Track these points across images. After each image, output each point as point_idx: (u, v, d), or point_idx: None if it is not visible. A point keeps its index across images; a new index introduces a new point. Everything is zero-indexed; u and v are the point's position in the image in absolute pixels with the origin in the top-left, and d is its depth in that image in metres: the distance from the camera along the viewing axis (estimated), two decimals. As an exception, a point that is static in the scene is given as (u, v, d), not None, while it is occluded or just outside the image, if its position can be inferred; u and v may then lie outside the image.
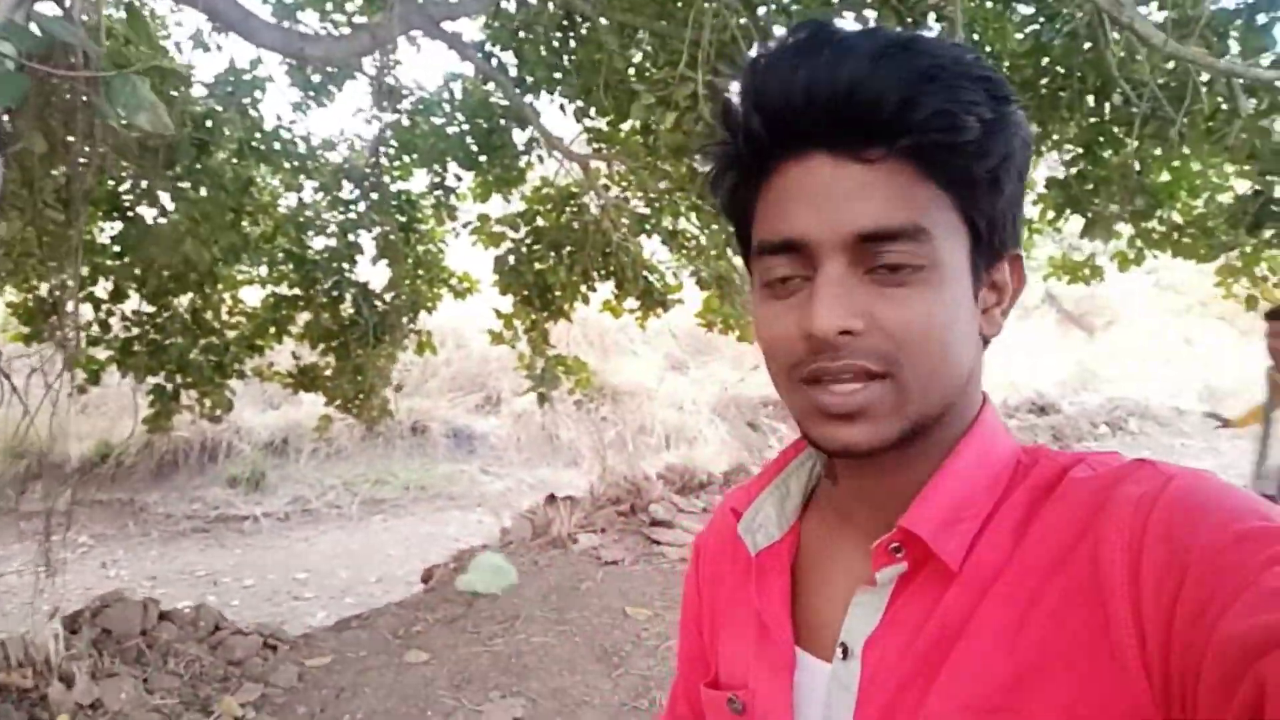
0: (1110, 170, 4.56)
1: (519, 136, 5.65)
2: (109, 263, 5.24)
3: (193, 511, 9.37)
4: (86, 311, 5.36)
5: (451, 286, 6.54)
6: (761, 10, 4.22)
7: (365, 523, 9.44)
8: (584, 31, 4.66)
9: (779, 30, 4.40)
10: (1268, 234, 4.36)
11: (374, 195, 5.90)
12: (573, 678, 4.04)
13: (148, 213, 5.11)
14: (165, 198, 5.07)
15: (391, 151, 5.92)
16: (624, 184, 5.89)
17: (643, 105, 3.78)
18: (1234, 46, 3.92)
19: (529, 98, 5.15)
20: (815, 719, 0.64)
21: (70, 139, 4.05)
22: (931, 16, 3.76)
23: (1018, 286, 0.64)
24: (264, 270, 6.05)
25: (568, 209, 6.01)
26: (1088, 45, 4.17)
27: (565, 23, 4.79)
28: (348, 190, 5.93)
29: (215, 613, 4.56)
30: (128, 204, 4.97)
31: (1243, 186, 4.69)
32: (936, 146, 0.55)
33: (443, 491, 10.21)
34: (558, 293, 6.04)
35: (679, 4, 4.28)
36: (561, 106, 5.20)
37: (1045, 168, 5.67)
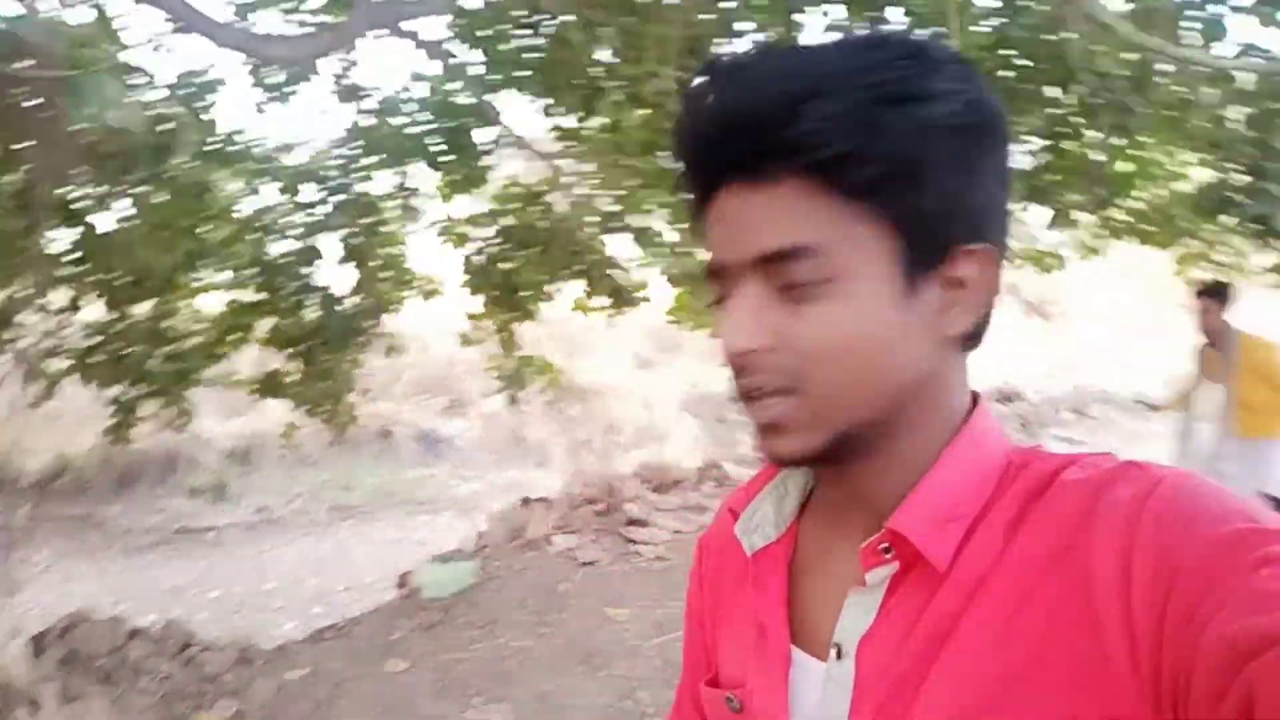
0: (1073, 161, 4.62)
1: (484, 135, 5.59)
2: (65, 271, 5.10)
3: (155, 524, 9.17)
4: (43, 321, 5.23)
5: (417, 288, 6.47)
6: (727, 5, 4.22)
7: (333, 530, 9.31)
8: (550, 29, 4.62)
9: (744, 25, 4.41)
10: (1228, 221, 4.46)
11: (336, 197, 5.80)
12: (556, 681, 4.00)
13: (105, 219, 4.99)
14: (122, 204, 4.96)
15: (354, 152, 5.83)
16: (591, 182, 5.86)
17: (611, 102, 3.76)
18: (1191, 38, 3.99)
19: (493, 96, 5.10)
20: (811, 717, 0.64)
21: (24, 145, 3.94)
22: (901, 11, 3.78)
23: (988, 280, 0.62)
24: (225, 276, 5.92)
25: (535, 208, 5.97)
26: (1050, 37, 4.23)
27: (531, 20, 4.75)
28: (309, 192, 5.83)
29: (186, 628, 4.47)
30: (84, 211, 4.84)
31: (1200, 175, 4.79)
32: (818, 163, 0.56)
33: (411, 496, 10.11)
34: (526, 292, 6.00)
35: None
36: (528, 105, 5.16)
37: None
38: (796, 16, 4.09)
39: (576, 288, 6.31)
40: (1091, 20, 3.44)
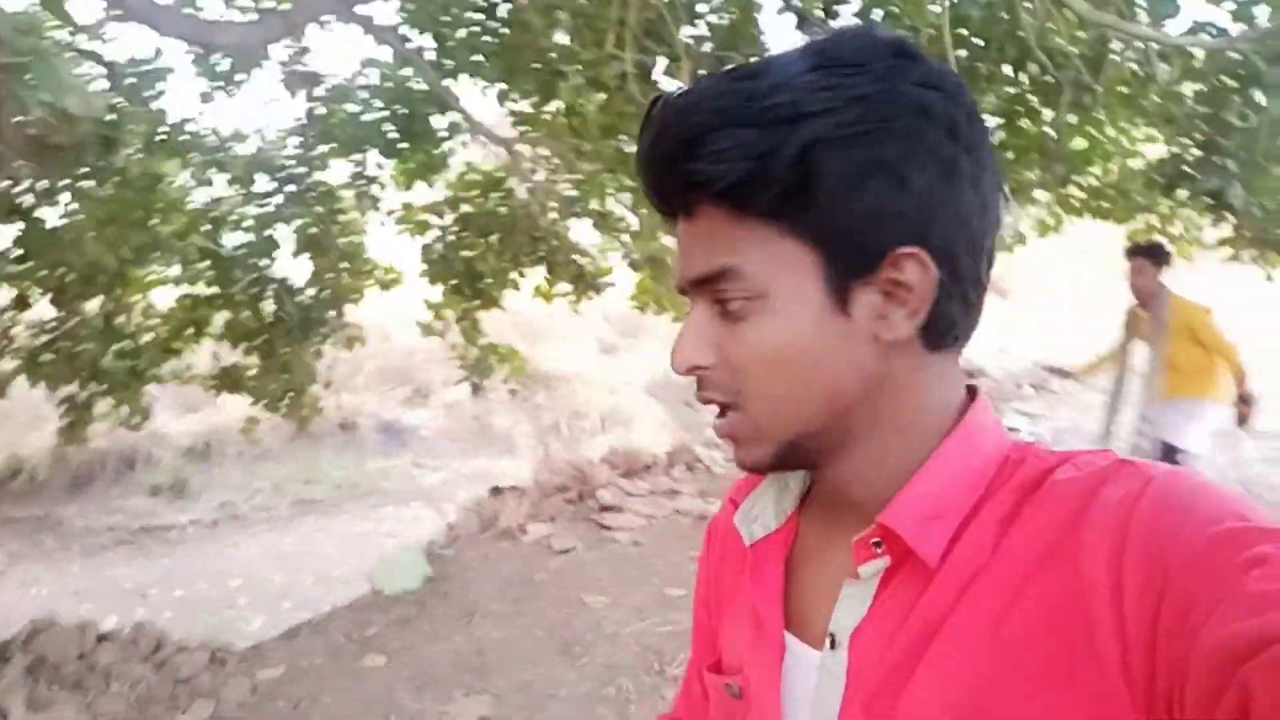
0: (1029, 139, 4.67)
1: (440, 121, 5.51)
2: (10, 268, 4.95)
3: (114, 523, 9.00)
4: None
5: (377, 278, 6.39)
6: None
7: (297, 524, 9.19)
8: (506, 13, 4.56)
9: (702, 7, 4.38)
10: (1182, 195, 4.52)
11: (290, 187, 5.70)
12: (536, 671, 3.98)
13: (50, 213, 4.85)
14: (69, 197, 4.82)
15: (307, 141, 5.73)
16: (551, 167, 5.81)
17: (571, 86, 3.73)
18: (1142, 16, 4.04)
19: (449, 81, 5.03)
20: (806, 706, 0.65)
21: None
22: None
23: (928, 280, 0.60)
24: (177, 270, 5.79)
25: (495, 194, 5.91)
26: (1005, 15, 4.25)
27: (485, 4, 4.68)
28: (262, 183, 5.72)
29: (157, 630, 4.39)
30: (27, 205, 4.69)
31: (1154, 151, 4.86)
32: (722, 192, 0.58)
33: (376, 488, 10.03)
34: (488, 280, 5.94)
35: (602, -18, 4.22)
36: (484, 90, 5.09)
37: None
38: (754, -2, 4.08)
39: (538, 274, 6.27)
40: (1046, -1, 3.47)
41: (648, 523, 5.93)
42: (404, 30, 4.88)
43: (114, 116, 4.31)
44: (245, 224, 5.69)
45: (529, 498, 6.34)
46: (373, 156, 5.71)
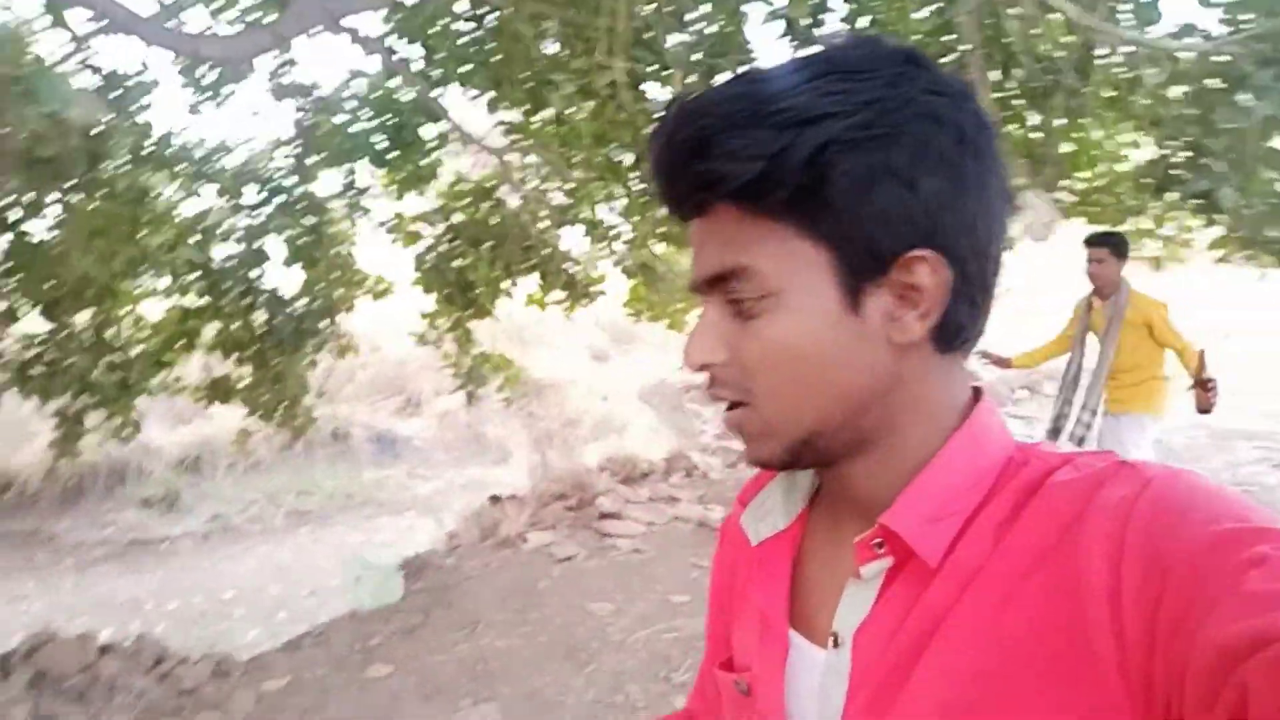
0: (1016, 144, 4.68)
1: (430, 131, 5.51)
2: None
3: (105, 537, 8.96)
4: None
5: (368, 288, 6.37)
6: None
7: (291, 536, 9.17)
8: (494, 23, 4.56)
9: (691, 15, 4.39)
10: (1172, 197, 4.54)
11: (280, 198, 5.68)
12: (543, 679, 3.95)
13: (38, 227, 4.83)
14: (56, 210, 4.80)
15: (296, 152, 5.71)
16: (542, 176, 5.81)
17: (561, 95, 3.73)
18: (1127, 20, 4.05)
19: (438, 91, 5.02)
20: (812, 703, 0.66)
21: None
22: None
23: (941, 282, 0.61)
24: (167, 282, 5.77)
25: (486, 204, 5.91)
26: (990, 21, 4.27)
27: (474, 13, 4.68)
28: (251, 194, 5.71)
29: (158, 642, 4.36)
30: (14, 219, 4.68)
31: (1141, 154, 4.87)
32: (735, 191, 0.59)
33: (370, 498, 10.01)
34: (480, 289, 5.93)
35: (590, -9, 4.22)
36: (473, 99, 5.09)
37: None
38: (743, 7, 4.08)
39: (530, 283, 6.26)
40: (1033, 3, 3.48)
41: (648, 529, 5.93)
42: (391, 41, 4.88)
43: (101, 129, 4.30)
44: (235, 235, 5.67)
45: (528, 506, 6.34)
46: (362, 167, 5.70)
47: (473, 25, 4.69)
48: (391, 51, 4.85)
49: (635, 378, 11.87)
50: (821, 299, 0.61)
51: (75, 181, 4.57)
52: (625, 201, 5.64)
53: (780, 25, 4.15)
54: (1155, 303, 4.21)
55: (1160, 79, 3.91)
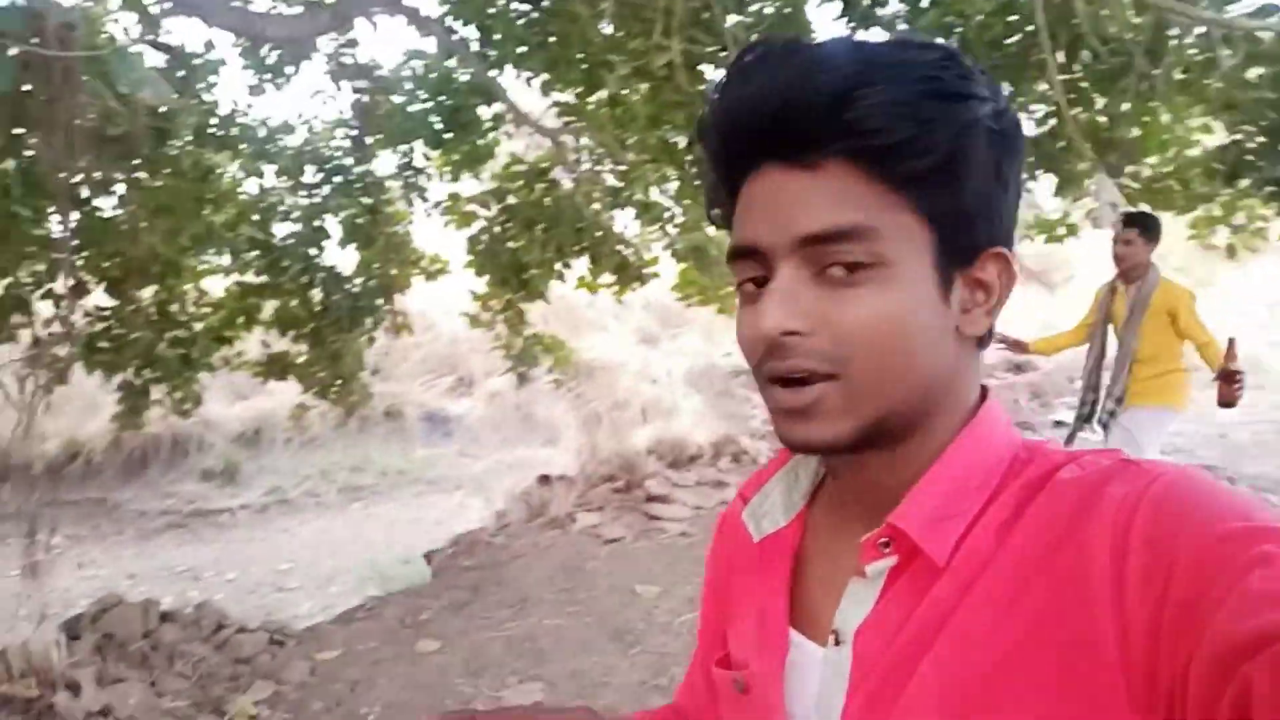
0: (1081, 128, 4.56)
1: (485, 112, 5.54)
2: (68, 257, 5.08)
3: (167, 507, 9.22)
4: (47, 308, 5.22)
5: (423, 268, 6.45)
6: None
7: (345, 511, 9.35)
8: (551, 3, 4.56)
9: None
10: (1244, 183, 4.38)
11: (338, 178, 5.78)
12: (589, 659, 3.99)
13: (106, 204, 4.97)
14: (123, 188, 4.93)
15: (355, 132, 5.80)
16: (595, 157, 5.81)
17: (618, 76, 3.72)
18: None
19: (494, 72, 5.05)
20: (810, 701, 0.66)
21: (26, 130, 3.92)
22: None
23: (1005, 284, 0.64)
24: (228, 259, 5.91)
25: (539, 185, 5.93)
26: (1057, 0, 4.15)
27: (531, -6, 4.69)
28: (311, 174, 5.81)
29: (217, 611, 4.50)
30: (85, 196, 4.82)
31: (1211, 139, 4.72)
32: (871, 149, 0.57)
33: (422, 476, 10.16)
34: (532, 271, 5.97)
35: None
36: (529, 80, 5.10)
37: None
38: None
39: (582, 265, 6.28)
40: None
41: (695, 513, 5.94)
42: (450, 22, 4.91)
43: (168, 108, 4.40)
44: (294, 214, 5.78)
45: (577, 487, 6.38)
46: (419, 148, 5.76)
47: (529, 6, 4.69)
48: (450, 32, 4.89)
49: (684, 361, 11.84)
50: (924, 278, 0.60)
51: (142, 160, 4.69)
52: (678, 184, 5.62)
53: (838, 5, 4.10)
54: (1183, 291, 4.05)
55: (1236, 60, 3.76)
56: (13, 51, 1.80)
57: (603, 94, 5.01)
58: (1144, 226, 4.06)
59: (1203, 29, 3.69)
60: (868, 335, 0.58)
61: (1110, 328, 4.29)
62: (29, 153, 4.11)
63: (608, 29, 4.51)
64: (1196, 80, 4.00)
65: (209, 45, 4.60)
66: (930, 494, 0.61)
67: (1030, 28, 4.37)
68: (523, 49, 4.76)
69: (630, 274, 6.14)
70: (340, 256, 6.02)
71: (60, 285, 5.27)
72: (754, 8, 4.23)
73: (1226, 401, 3.77)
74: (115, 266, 5.26)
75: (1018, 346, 4.43)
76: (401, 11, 4.81)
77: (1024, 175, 0.64)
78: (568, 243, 5.84)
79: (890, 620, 0.61)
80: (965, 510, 0.61)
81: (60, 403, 6.66)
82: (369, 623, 4.57)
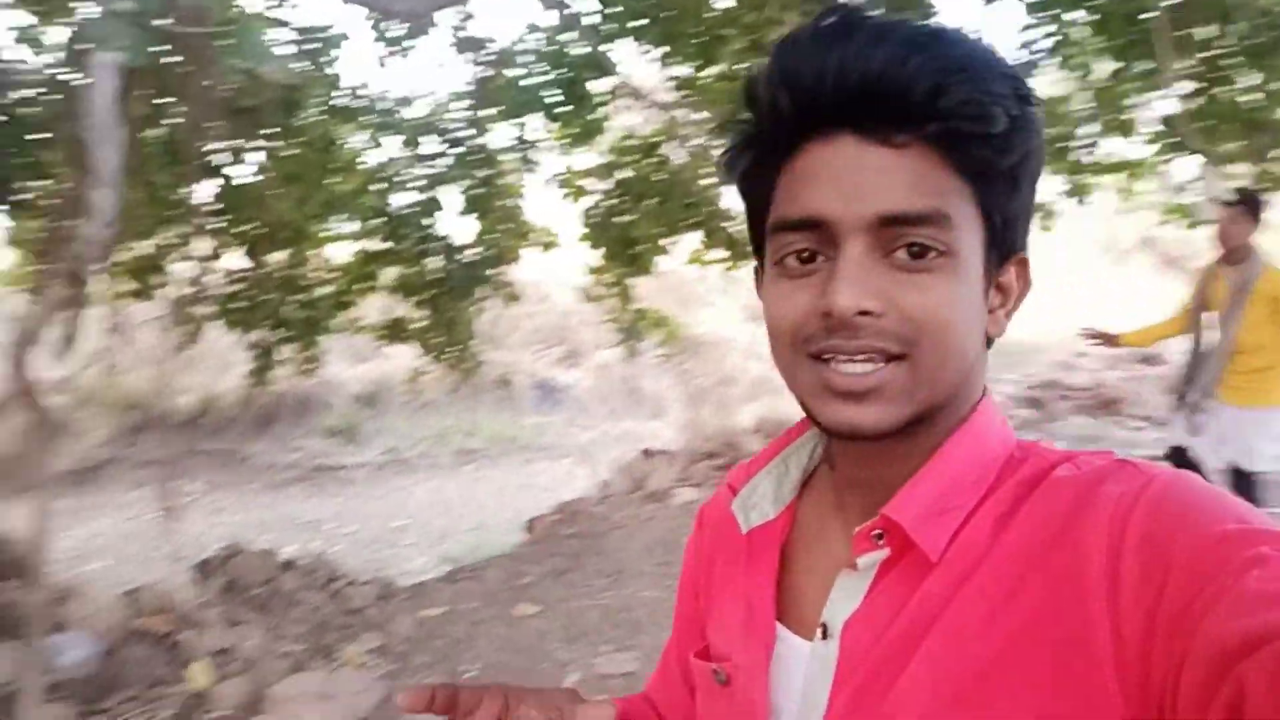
0: (1226, 107, 4.27)
1: (600, 86, 5.56)
2: (207, 222, 5.39)
3: (292, 461, 9.74)
4: (188, 269, 5.55)
5: (536, 240, 6.56)
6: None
7: (457, 472, 9.68)
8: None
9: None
10: None
11: (456, 150, 5.91)
12: (682, 633, 4.04)
13: (241, 172, 5.23)
14: (257, 157, 5.18)
15: (473, 105, 5.91)
16: (708, 132, 5.77)
17: (733, 50, 3.68)
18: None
19: (610, 45, 5.06)
20: (795, 695, 0.65)
21: (169, 100, 4.15)
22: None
23: (1023, 289, 0.66)
24: (352, 226, 6.14)
25: (651, 160, 5.93)
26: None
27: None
28: (430, 145, 5.96)
29: (332, 563, 4.74)
30: (222, 164, 5.08)
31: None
32: (963, 135, 0.56)
33: (531, 443, 10.41)
34: (642, 246, 5.99)
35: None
36: (644, 54, 5.10)
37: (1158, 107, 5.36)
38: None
39: (692, 240, 6.27)
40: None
41: (795, 494, 5.88)
42: (569, -6, 4.94)
43: (297, 80, 4.59)
44: (413, 184, 5.95)
45: (679, 462, 6.42)
46: (535, 120, 5.83)
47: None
48: (566, 5, 4.92)
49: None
50: (977, 273, 0.60)
51: (273, 130, 4.91)
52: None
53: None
54: None
55: None
56: (146, 25, 1.91)
57: (718, 68, 4.96)
58: (1249, 204, 3.66)
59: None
60: (935, 322, 0.57)
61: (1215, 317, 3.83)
62: (170, 122, 4.36)
63: (723, 3, 4.46)
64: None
65: (335, 20, 4.76)
66: (926, 488, 0.61)
67: (1168, 2, 4.11)
68: (639, 22, 4.75)
69: (740, 250, 6.10)
70: (456, 226, 6.17)
71: (199, 249, 5.61)
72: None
73: None
74: (250, 232, 5.54)
75: (1108, 340, 4.08)
76: (521, -15, 4.86)
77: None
78: (678, 218, 5.83)
79: (880, 614, 0.60)
80: (960, 506, 0.60)
81: (197, 359, 7.09)
82: (472, 583, 4.73)
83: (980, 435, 0.63)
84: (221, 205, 5.29)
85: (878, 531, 0.61)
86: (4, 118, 3.91)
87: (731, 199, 6.08)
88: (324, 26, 4.68)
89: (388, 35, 5.10)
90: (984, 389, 0.67)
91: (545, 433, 10.61)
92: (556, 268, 8.27)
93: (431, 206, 5.91)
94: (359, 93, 5.26)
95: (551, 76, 5.40)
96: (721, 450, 6.55)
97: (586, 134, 5.76)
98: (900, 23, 0.58)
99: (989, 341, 0.65)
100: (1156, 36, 4.01)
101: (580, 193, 6.13)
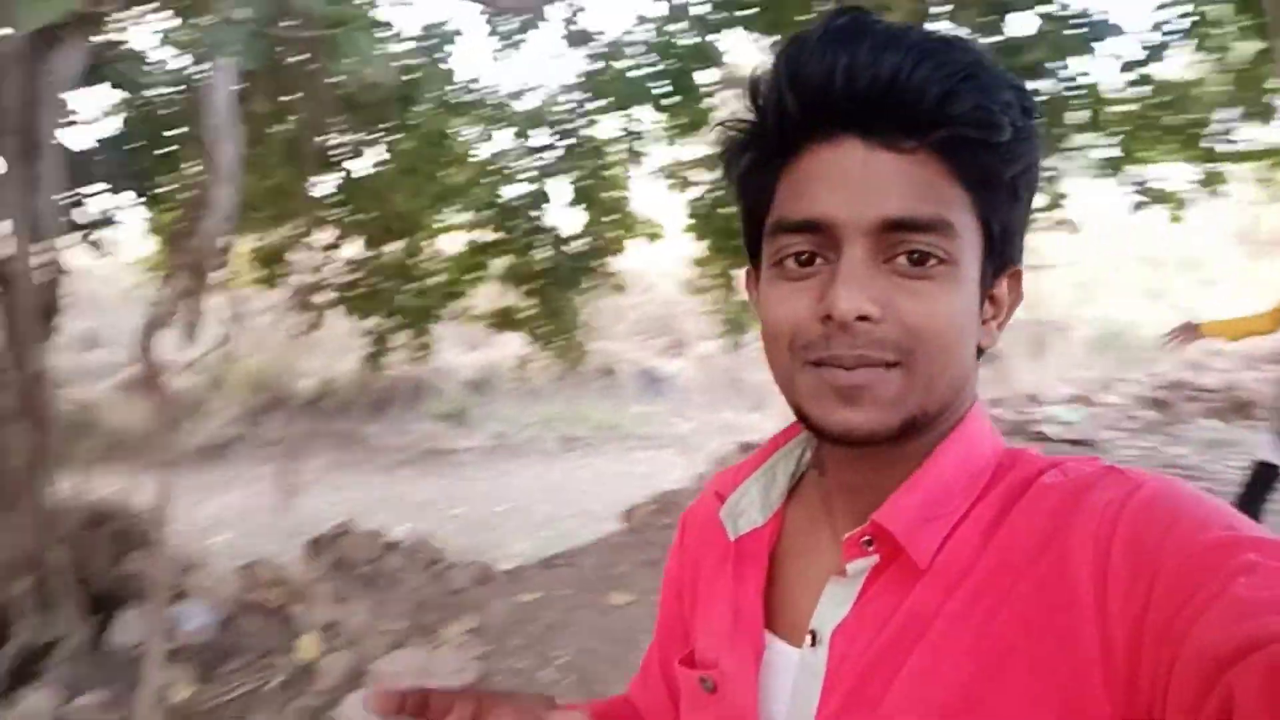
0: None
1: (708, 76, 5.54)
2: (328, 213, 5.64)
3: (406, 444, 10.10)
4: (310, 258, 5.82)
5: (641, 231, 6.59)
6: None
7: (561, 459, 9.84)
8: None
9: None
10: None
11: (565, 142, 5.99)
12: (774, 629, 4.03)
13: (360, 165, 5.44)
14: (375, 151, 5.38)
15: (581, 97, 5.97)
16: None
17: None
18: None
19: (717, 36, 5.03)
20: (783, 702, 0.65)
21: (291, 97, 4.34)
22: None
23: (1014, 302, 0.66)
24: (464, 217, 6.30)
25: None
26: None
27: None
28: (540, 137, 6.06)
29: (434, 544, 4.89)
30: (340, 158, 5.29)
31: None
32: (970, 143, 0.56)
33: (633, 432, 10.49)
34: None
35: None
36: (753, 43, 5.05)
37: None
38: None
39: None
40: None
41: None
42: (677, -15, 4.93)
43: (414, 76, 4.74)
44: (523, 176, 6.06)
45: (773, 455, 6.35)
46: (642, 112, 5.85)
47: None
48: (675, -4, 4.92)
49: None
50: (973, 283, 0.60)
51: (391, 125, 5.09)
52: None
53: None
54: None
55: None
56: (260, 31, 2.01)
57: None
58: None
59: None
60: (933, 330, 0.58)
61: None
62: (294, 118, 4.56)
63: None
64: None
65: (448, 17, 4.90)
66: (916, 495, 0.61)
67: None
68: (747, 11, 4.71)
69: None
70: (564, 217, 6.26)
71: (321, 239, 5.87)
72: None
73: None
74: (369, 223, 5.77)
75: (1190, 333, 3.62)
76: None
77: None
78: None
79: (869, 621, 0.60)
80: (949, 513, 0.61)
81: (317, 343, 7.42)
82: (568, 570, 4.80)
83: (970, 443, 0.63)
84: (342, 197, 5.51)
85: (867, 538, 0.61)
86: (140, 114, 4.17)
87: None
88: (440, 23, 4.81)
89: (500, 30, 5.21)
90: (974, 397, 0.67)
91: (648, 422, 10.68)
92: (661, 259, 8.31)
93: (540, 198, 6.01)
94: (472, 87, 5.39)
95: (660, 67, 5.42)
96: (823, 446, 6.45)
97: (693, 124, 5.75)
98: (910, 28, 0.58)
99: (980, 352, 0.65)
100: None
101: (686, 184, 6.13)
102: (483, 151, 6.00)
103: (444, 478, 9.29)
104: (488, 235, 6.25)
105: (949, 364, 0.59)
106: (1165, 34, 4.66)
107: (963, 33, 3.72)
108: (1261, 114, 4.98)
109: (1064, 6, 4.33)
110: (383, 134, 5.19)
